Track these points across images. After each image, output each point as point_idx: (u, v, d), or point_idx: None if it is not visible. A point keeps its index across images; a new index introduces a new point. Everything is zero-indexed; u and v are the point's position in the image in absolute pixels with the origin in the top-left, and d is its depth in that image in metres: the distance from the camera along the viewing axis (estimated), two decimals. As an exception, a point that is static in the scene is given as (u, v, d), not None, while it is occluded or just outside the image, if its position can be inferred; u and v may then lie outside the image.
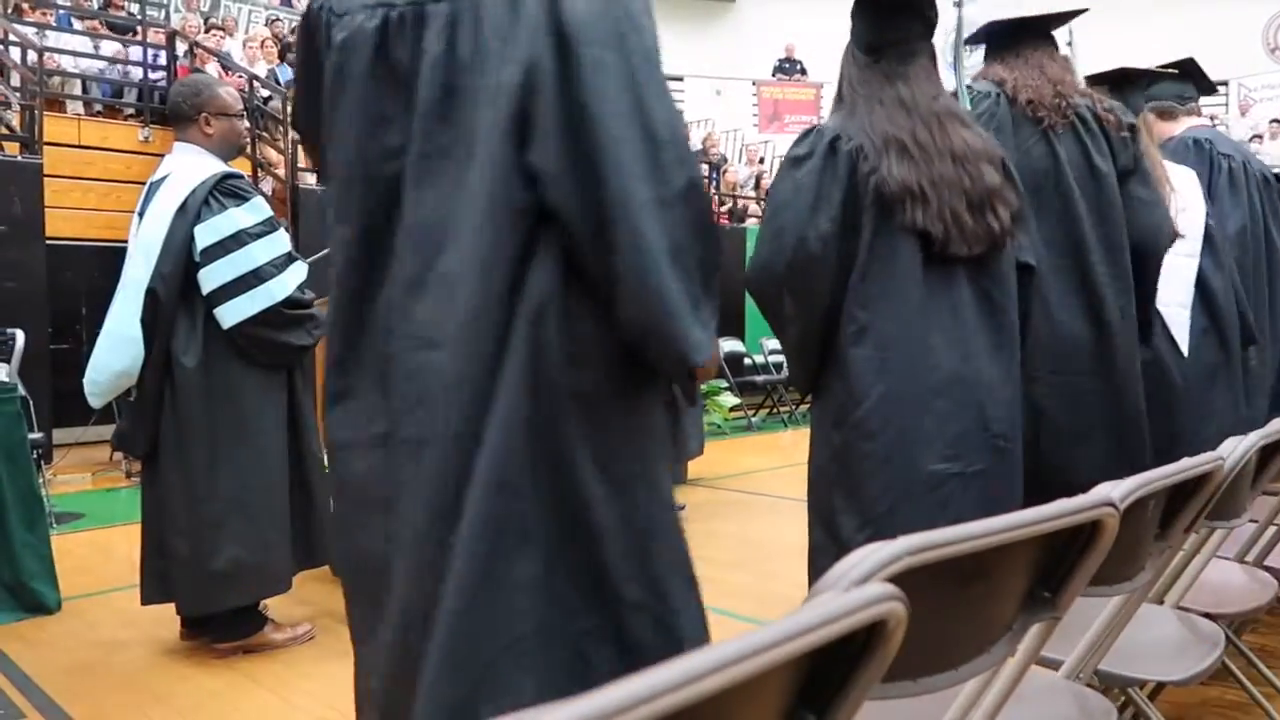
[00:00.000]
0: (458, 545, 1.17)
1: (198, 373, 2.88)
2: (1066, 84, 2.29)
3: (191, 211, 2.87)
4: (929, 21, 1.97)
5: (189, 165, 2.97)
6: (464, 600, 1.16)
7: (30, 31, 7.98)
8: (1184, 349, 2.63)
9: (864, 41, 2.00)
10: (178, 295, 2.88)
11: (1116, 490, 1.02)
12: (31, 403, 4.10)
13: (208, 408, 2.89)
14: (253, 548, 2.90)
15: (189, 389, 2.88)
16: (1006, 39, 2.39)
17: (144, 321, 2.89)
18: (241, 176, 3.07)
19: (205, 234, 2.86)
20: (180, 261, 2.86)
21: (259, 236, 2.93)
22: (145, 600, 2.98)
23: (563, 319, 1.20)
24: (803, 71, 16.46)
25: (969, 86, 2.30)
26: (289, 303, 2.95)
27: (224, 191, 2.92)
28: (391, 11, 1.27)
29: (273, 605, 3.14)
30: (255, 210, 2.96)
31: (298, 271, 3.02)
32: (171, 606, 2.98)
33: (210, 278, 2.86)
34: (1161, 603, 1.76)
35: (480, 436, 1.18)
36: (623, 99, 1.16)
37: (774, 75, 16.37)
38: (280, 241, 3.00)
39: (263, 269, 2.90)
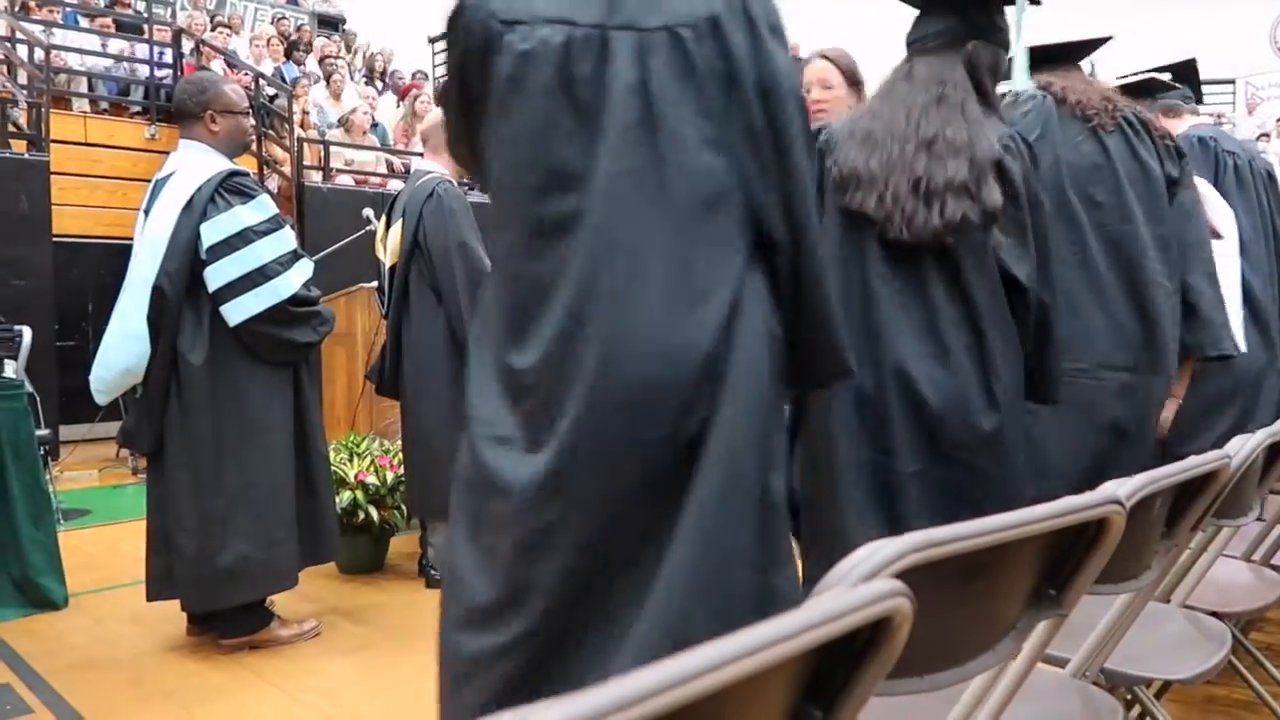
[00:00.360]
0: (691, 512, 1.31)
1: (204, 370, 2.89)
2: (1112, 92, 2.30)
3: (197, 209, 2.88)
4: (967, 19, 1.90)
5: (195, 163, 2.97)
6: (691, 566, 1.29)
7: (37, 29, 8.00)
8: (1242, 346, 2.61)
9: (907, 40, 2.00)
10: (184, 292, 2.88)
11: (1123, 488, 1.01)
12: (38, 399, 4.12)
13: (214, 405, 2.90)
14: (259, 544, 2.91)
15: (195, 386, 2.89)
16: (1040, 65, 2.37)
17: (150, 319, 2.89)
18: (247, 174, 3.08)
19: (211, 231, 2.87)
20: (186, 259, 2.87)
21: (265, 234, 2.93)
22: (151, 596, 2.98)
23: (763, 328, 1.36)
24: (808, 69, 16.47)
25: (1012, 91, 2.27)
26: (294, 300, 2.95)
27: (230, 189, 2.93)
28: (575, 30, 1.34)
29: (279, 601, 3.15)
30: (261, 208, 2.97)
31: (303, 269, 3.03)
32: (177, 602, 2.99)
33: (216, 275, 2.87)
34: (1168, 601, 1.75)
35: (706, 436, 1.31)
36: (802, 141, 1.40)
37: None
38: (286, 239, 3.00)
39: (268, 266, 2.91)
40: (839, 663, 0.71)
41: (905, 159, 1.80)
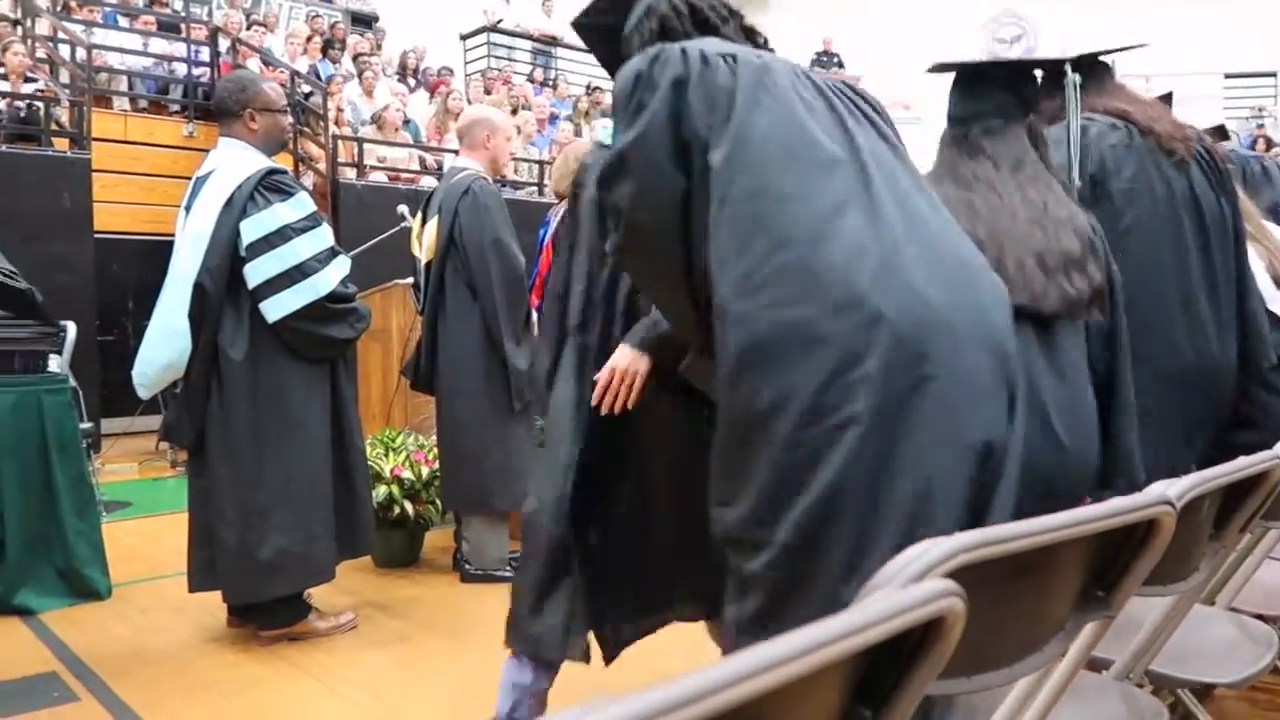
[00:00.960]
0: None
1: (244, 366, 2.92)
2: (1175, 117, 2.22)
3: (238, 206, 2.91)
4: (1020, 94, 1.85)
5: (234, 160, 3.01)
6: None
7: (79, 29, 8.13)
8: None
9: (951, 114, 1.92)
10: (224, 289, 2.92)
11: (1173, 488, 1.00)
12: (81, 393, 4.19)
13: (254, 400, 2.93)
14: (297, 538, 2.94)
15: (235, 382, 2.93)
16: (1085, 77, 2.23)
17: (191, 315, 2.93)
18: (285, 171, 3.11)
19: (251, 229, 2.90)
20: (227, 256, 2.91)
21: (303, 231, 2.96)
22: (193, 588, 3.04)
23: None
24: (840, 65, 16.32)
25: (1089, 117, 2.18)
26: (332, 297, 2.97)
27: (269, 187, 2.96)
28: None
29: (316, 594, 3.18)
30: (299, 205, 3.00)
31: (341, 265, 3.05)
32: (218, 594, 3.03)
33: (256, 272, 2.90)
34: (1213, 603, 1.73)
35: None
36: None
37: (811, 69, 16.22)
38: (324, 236, 3.03)
39: (307, 264, 2.93)
40: (890, 663, 0.71)
41: (1018, 231, 1.71)
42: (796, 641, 0.58)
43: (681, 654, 2.17)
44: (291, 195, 3.00)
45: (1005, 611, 0.89)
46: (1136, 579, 1.04)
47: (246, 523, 2.91)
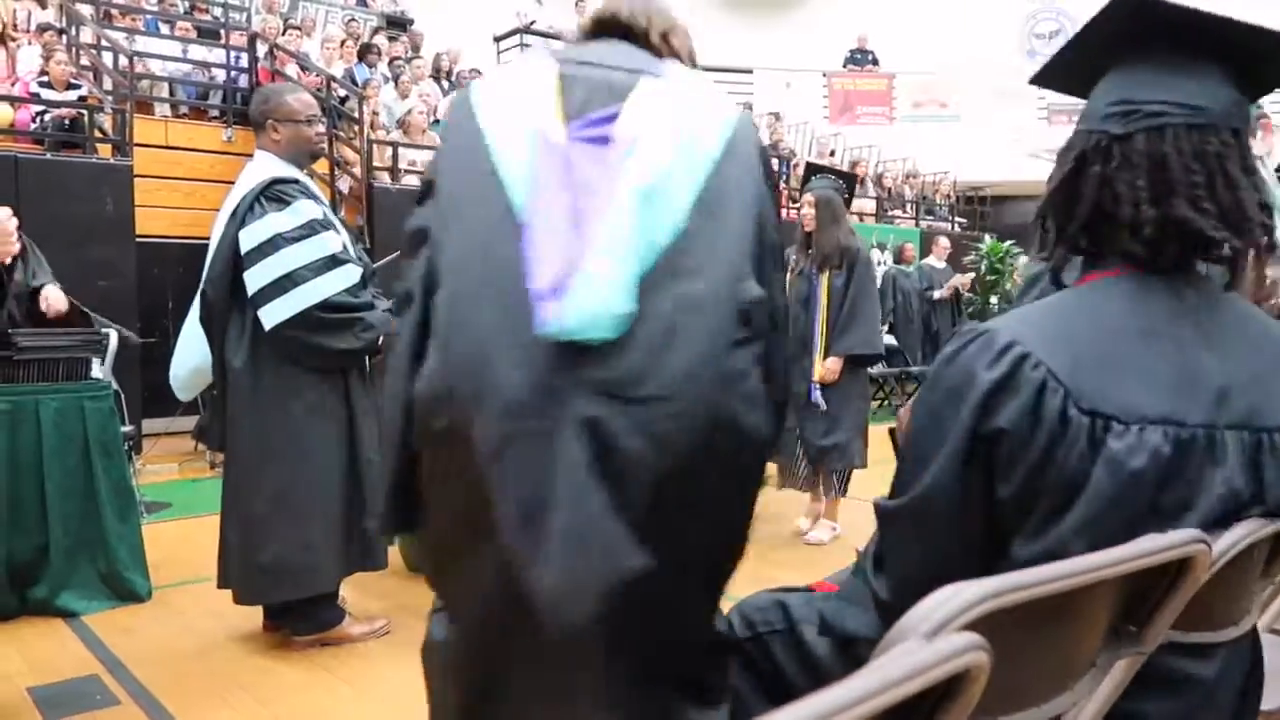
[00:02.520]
0: None
1: (245, 373, 2.95)
2: None
3: (239, 216, 2.94)
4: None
5: (252, 170, 3.05)
6: None
7: (121, 36, 8.28)
8: None
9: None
10: (228, 297, 2.95)
11: (1221, 541, 0.98)
12: (123, 396, 4.27)
13: (254, 408, 2.95)
14: (294, 546, 2.95)
15: (238, 388, 2.96)
16: None
17: (201, 321, 3.01)
18: (294, 181, 3.05)
19: (247, 238, 2.92)
20: (228, 264, 2.93)
21: (294, 240, 2.93)
22: (220, 585, 3.10)
23: None
24: (874, 62, 16.20)
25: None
26: (326, 306, 2.92)
27: (269, 196, 2.96)
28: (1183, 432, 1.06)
29: (350, 599, 3.22)
30: (294, 214, 2.96)
31: (340, 275, 2.98)
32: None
33: (251, 281, 2.91)
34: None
35: None
36: None
37: (845, 66, 16.14)
38: (320, 245, 2.97)
39: (297, 273, 2.90)
40: (913, 715, 0.71)
41: None
42: (822, 703, 0.58)
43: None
44: (288, 204, 2.96)
45: (1033, 652, 0.87)
46: (1170, 615, 1.02)
47: (248, 527, 2.96)
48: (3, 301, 3.36)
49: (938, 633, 0.72)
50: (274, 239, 2.91)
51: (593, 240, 1.15)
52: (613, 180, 1.18)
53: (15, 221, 2.19)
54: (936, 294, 9.59)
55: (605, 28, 1.41)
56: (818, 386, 4.40)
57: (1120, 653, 1.01)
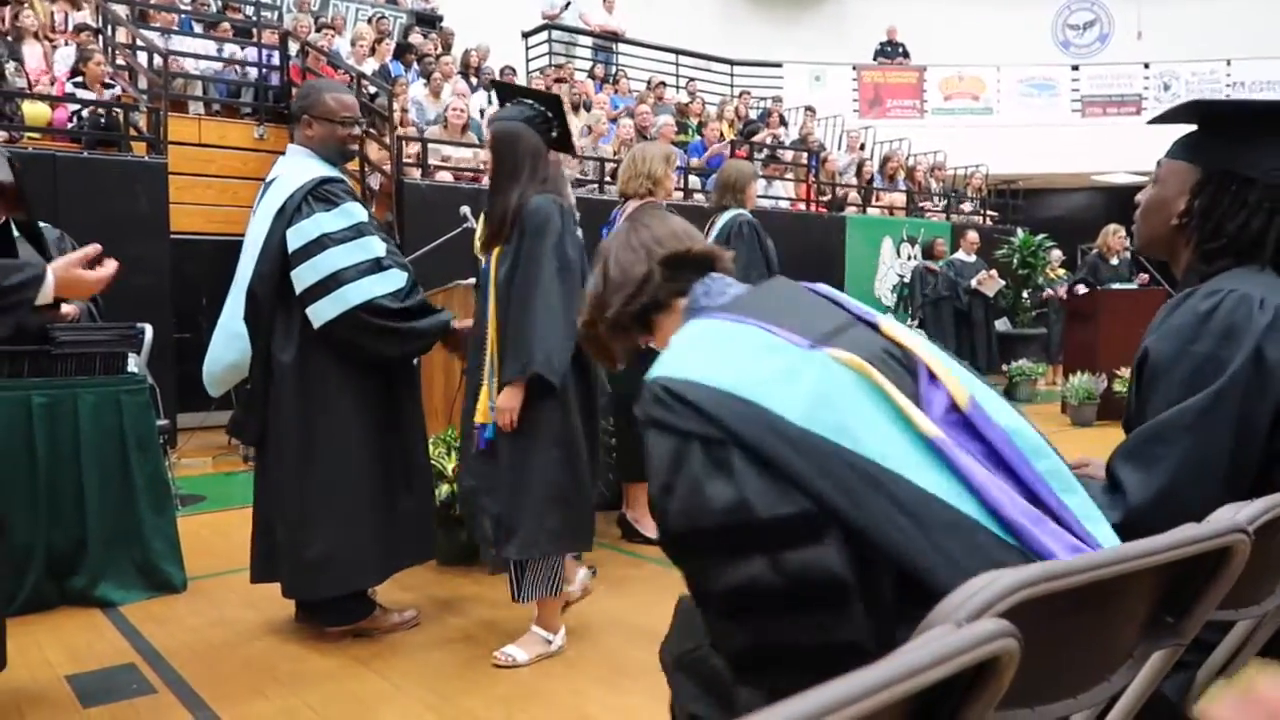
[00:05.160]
0: None
1: (292, 369, 2.96)
2: None
3: (288, 214, 2.95)
4: None
5: (294, 167, 3.05)
6: None
7: (155, 36, 8.39)
8: None
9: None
10: (275, 295, 2.96)
11: (1243, 513, 0.96)
12: (158, 390, 4.33)
13: (301, 404, 2.97)
14: (341, 542, 2.97)
15: (285, 384, 2.97)
16: None
17: (246, 319, 3.02)
18: (341, 181, 3.06)
19: (295, 237, 2.93)
20: (277, 262, 2.94)
21: (341, 242, 2.93)
22: (254, 579, 3.13)
23: None
24: (905, 55, 16.05)
25: None
26: (372, 309, 2.91)
27: (318, 196, 2.96)
28: None
29: (380, 591, 3.25)
30: (343, 216, 2.97)
31: (385, 279, 2.97)
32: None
33: (298, 280, 2.93)
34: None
35: None
36: None
37: (875, 59, 16.00)
38: (365, 248, 2.96)
39: (342, 273, 2.91)
40: (944, 700, 0.70)
41: None
42: (849, 687, 0.58)
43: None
44: (336, 205, 2.96)
45: (1069, 642, 0.86)
46: (1209, 605, 1.01)
47: (296, 522, 2.98)
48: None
49: (972, 620, 0.71)
50: (320, 239, 2.92)
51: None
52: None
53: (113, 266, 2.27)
54: (973, 282, 9.47)
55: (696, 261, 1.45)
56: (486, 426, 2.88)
57: (1159, 643, 1.00)
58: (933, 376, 1.13)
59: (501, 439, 2.82)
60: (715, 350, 1.17)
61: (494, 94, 10.04)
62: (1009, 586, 0.72)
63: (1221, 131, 1.51)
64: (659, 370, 1.16)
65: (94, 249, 2.29)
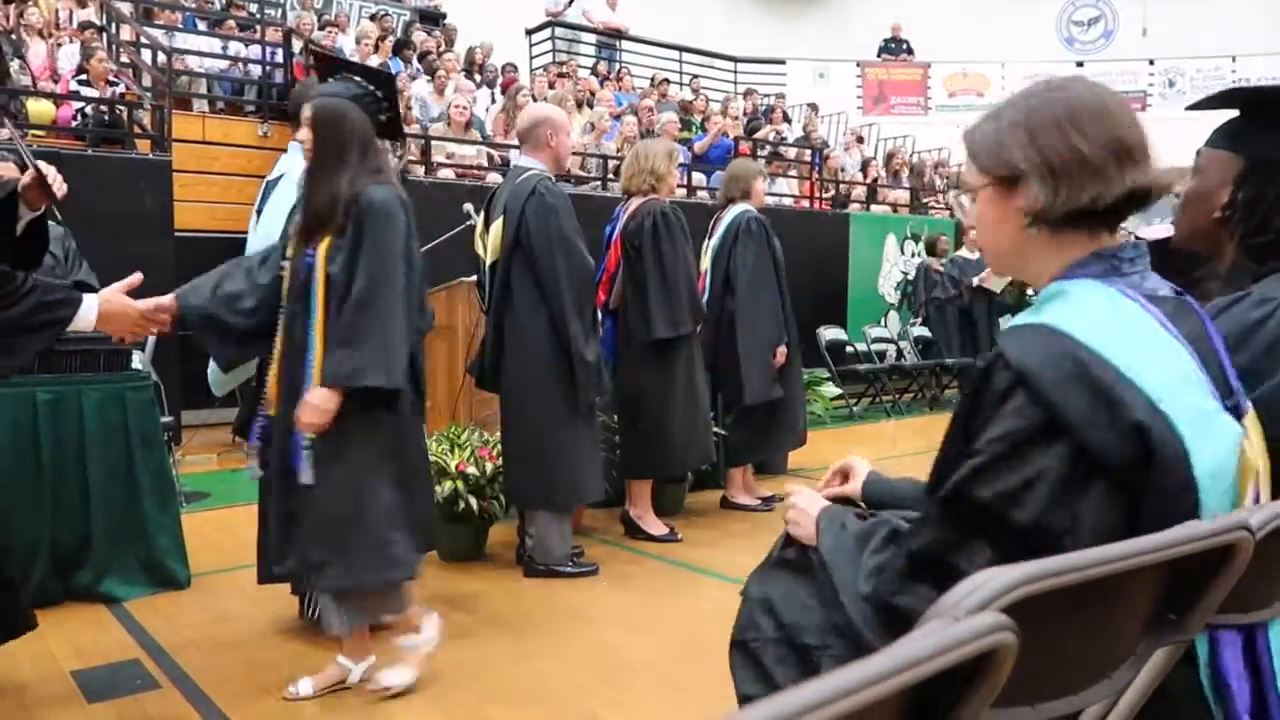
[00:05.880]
0: None
1: None
2: None
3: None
4: None
5: (299, 164, 3.06)
6: None
7: (159, 34, 8.39)
8: None
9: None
10: None
11: (1256, 516, 0.96)
12: (162, 388, 4.34)
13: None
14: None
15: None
16: None
17: None
18: None
19: None
20: None
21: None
22: (261, 580, 3.12)
23: None
24: (909, 51, 16.02)
25: None
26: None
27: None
28: None
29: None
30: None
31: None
32: (287, 585, 3.11)
33: None
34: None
35: None
36: None
37: (879, 56, 15.97)
38: None
39: None
40: (941, 694, 0.70)
41: None
42: (844, 679, 0.58)
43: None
44: None
45: (1071, 638, 0.86)
46: (1213, 602, 1.00)
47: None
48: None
49: (971, 614, 0.71)
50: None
51: None
52: None
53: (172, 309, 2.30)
54: (976, 280, 9.44)
55: None
56: (304, 440, 2.52)
57: (1161, 641, 0.99)
58: None
59: (319, 452, 2.51)
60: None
61: (496, 90, 10.06)
62: (1011, 582, 0.72)
63: (1265, 118, 1.43)
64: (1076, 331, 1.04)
65: (136, 279, 2.28)
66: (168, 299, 2.49)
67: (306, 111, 2.65)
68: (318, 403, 2.46)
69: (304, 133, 2.70)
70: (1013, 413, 1.01)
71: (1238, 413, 1.12)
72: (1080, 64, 15.74)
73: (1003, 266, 1.24)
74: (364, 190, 2.54)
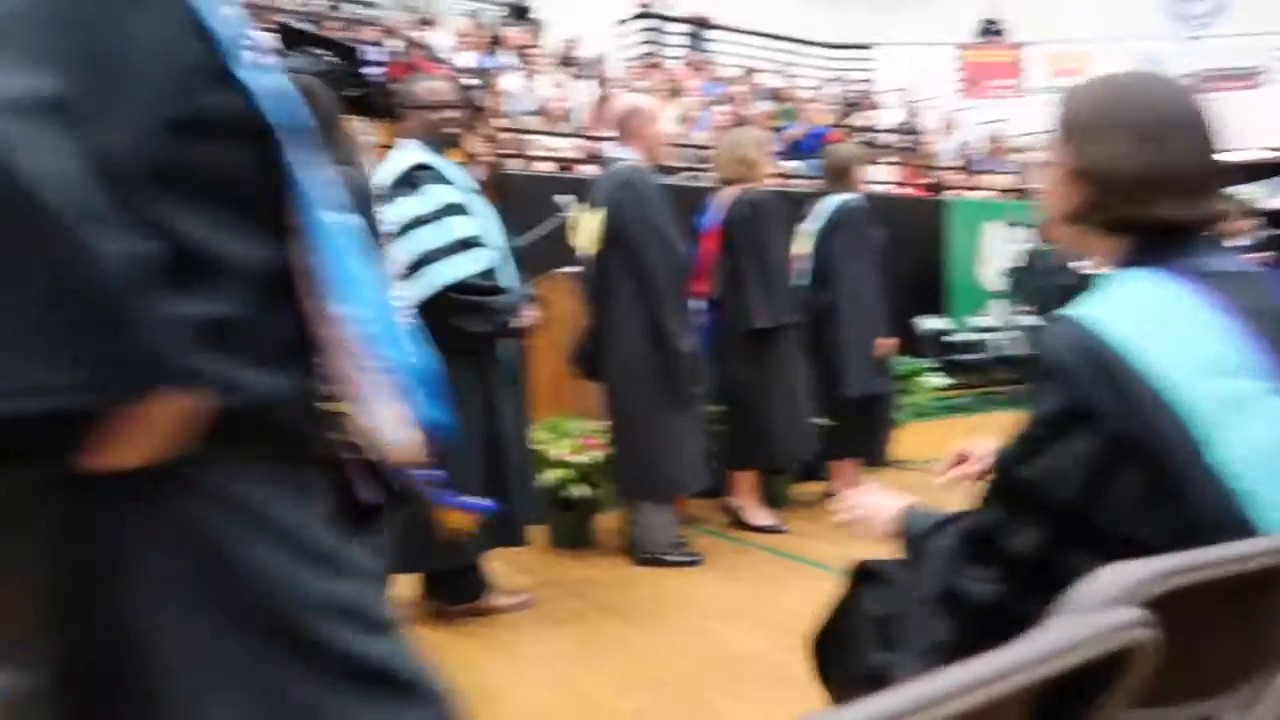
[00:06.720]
0: None
1: None
2: None
3: (384, 201, 3.00)
4: None
5: (394, 158, 3.15)
6: None
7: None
8: None
9: None
10: None
11: None
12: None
13: None
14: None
15: None
16: None
17: None
18: (428, 168, 3.09)
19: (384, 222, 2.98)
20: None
21: (427, 223, 2.99)
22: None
23: None
24: (998, 34, 15.52)
25: None
26: (461, 288, 2.96)
27: (407, 182, 3.03)
28: None
29: (496, 572, 3.30)
30: (428, 199, 3.02)
31: (471, 259, 3.01)
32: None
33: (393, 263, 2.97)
34: None
35: None
36: None
37: (974, 39, 15.52)
38: (451, 228, 3.01)
39: (428, 254, 2.97)
40: (1073, 693, 0.68)
41: None
42: (969, 674, 0.57)
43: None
44: (419, 189, 3.02)
45: (1217, 637, 0.83)
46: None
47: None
48: None
49: (1106, 608, 0.69)
50: (410, 222, 2.98)
51: None
52: None
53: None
54: (1087, 263, 9.07)
55: None
56: None
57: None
58: None
59: None
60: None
61: (589, 83, 10.13)
62: (1149, 575, 0.70)
63: None
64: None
65: None
66: None
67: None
68: None
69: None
70: (1046, 398, 1.08)
71: None
72: (1190, 39, 14.98)
73: (1075, 246, 1.28)
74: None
